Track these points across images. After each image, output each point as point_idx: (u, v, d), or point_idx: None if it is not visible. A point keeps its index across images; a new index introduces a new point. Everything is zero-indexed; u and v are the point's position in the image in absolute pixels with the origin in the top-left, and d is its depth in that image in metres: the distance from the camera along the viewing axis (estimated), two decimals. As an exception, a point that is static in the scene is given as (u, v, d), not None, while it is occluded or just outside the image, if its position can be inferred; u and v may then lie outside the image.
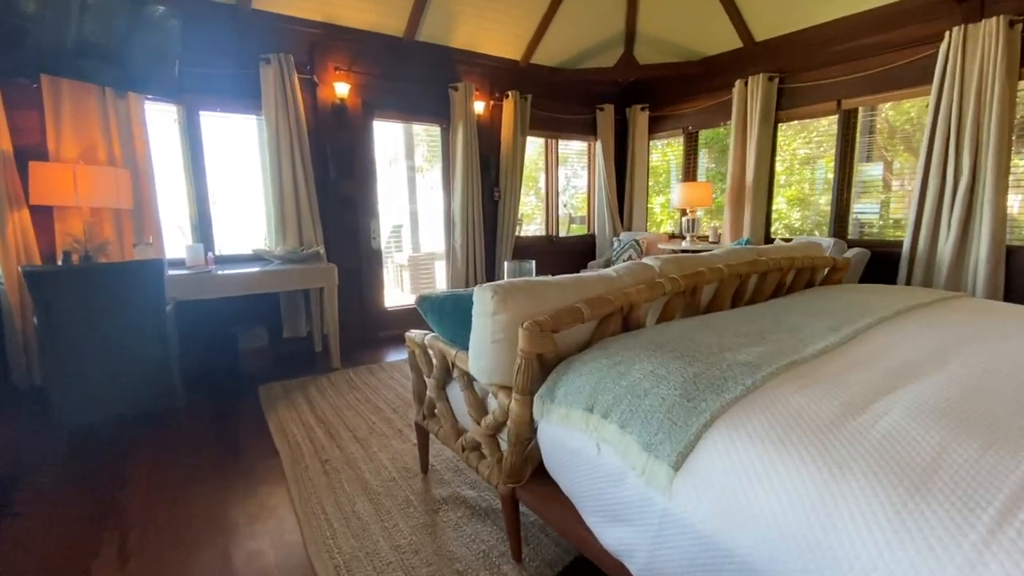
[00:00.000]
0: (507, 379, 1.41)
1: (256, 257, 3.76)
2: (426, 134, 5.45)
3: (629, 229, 5.80)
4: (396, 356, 4.00)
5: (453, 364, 1.69)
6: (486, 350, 1.41)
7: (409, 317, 4.71)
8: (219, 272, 3.19)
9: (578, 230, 6.03)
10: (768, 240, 4.69)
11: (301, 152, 3.82)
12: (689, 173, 5.43)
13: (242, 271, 3.28)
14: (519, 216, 5.08)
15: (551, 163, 5.57)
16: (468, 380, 1.65)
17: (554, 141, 5.53)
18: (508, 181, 4.93)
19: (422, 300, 1.75)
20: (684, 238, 4.92)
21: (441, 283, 5.90)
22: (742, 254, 2.06)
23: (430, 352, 1.85)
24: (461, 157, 4.60)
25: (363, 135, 4.23)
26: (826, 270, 2.43)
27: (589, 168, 5.89)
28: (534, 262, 3.08)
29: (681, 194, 4.78)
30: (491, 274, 5.06)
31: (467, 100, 4.55)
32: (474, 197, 4.72)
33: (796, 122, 4.52)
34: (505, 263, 2.80)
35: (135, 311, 2.40)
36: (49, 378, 2.27)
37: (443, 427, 1.88)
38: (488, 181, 4.92)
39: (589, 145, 5.83)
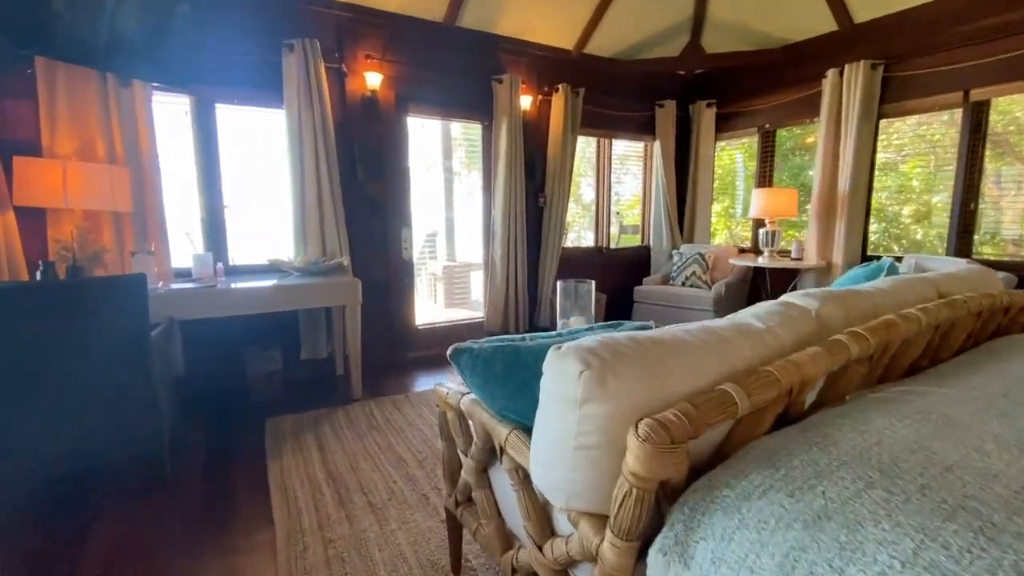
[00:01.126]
0: (597, 505, 0.85)
1: (272, 268, 3.33)
2: (464, 136, 4.96)
3: (690, 240, 5.14)
4: (425, 383, 3.48)
5: (502, 450, 1.14)
6: (564, 457, 0.85)
7: (443, 337, 4.20)
8: (226, 287, 2.75)
9: (629, 240, 5.41)
10: (865, 258, 3.95)
11: (326, 150, 3.37)
12: (764, 178, 4.74)
13: (253, 285, 2.84)
14: (566, 225, 4.51)
15: (603, 165, 4.97)
16: (524, 477, 1.09)
17: (607, 141, 4.94)
18: (555, 185, 4.37)
19: (459, 354, 1.21)
20: (761, 253, 4.23)
21: (477, 294, 5.39)
22: (915, 287, 1.43)
23: (469, 422, 1.30)
24: (504, 158, 4.07)
25: (396, 132, 3.76)
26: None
27: (645, 172, 5.27)
28: (592, 283, 2.51)
29: (760, 202, 4.11)
30: (533, 290, 4.50)
31: (512, 94, 4.03)
32: (517, 203, 4.19)
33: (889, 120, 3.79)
34: (558, 284, 2.25)
35: (110, 340, 1.95)
36: None
37: (483, 528, 1.32)
38: (533, 185, 4.38)
39: (645, 147, 5.21)
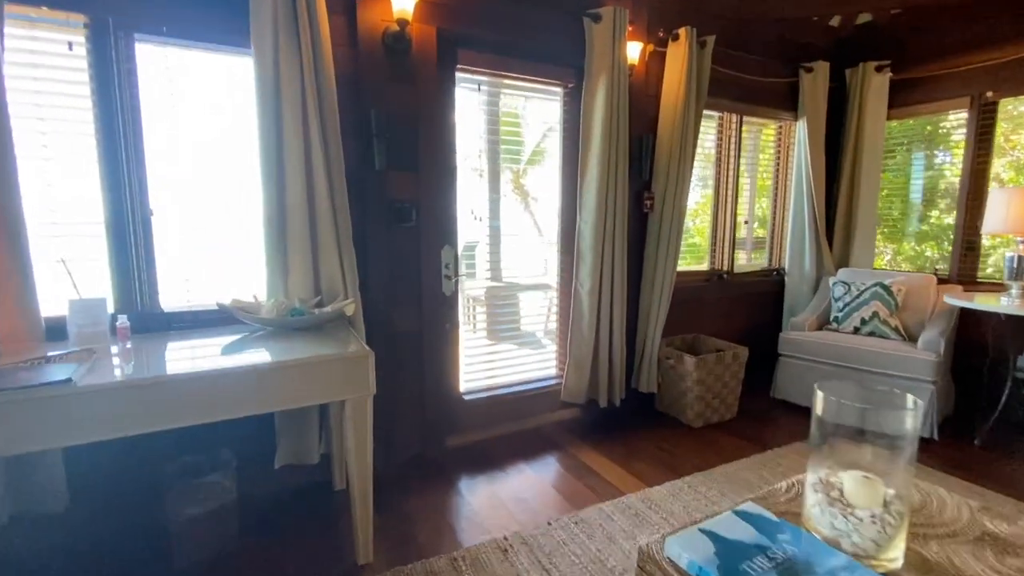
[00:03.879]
0: None
1: (226, 318, 1.95)
2: (530, 111, 3.47)
3: (843, 264, 3.61)
4: (485, 509, 2.05)
5: None
6: None
7: (500, 412, 2.77)
8: (100, 379, 1.37)
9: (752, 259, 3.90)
10: None
11: (322, 121, 1.99)
12: (977, 174, 3.19)
13: (174, 363, 1.45)
14: (682, 239, 3.02)
15: (726, 153, 3.47)
16: None
17: (733, 119, 3.44)
18: (668, 182, 2.91)
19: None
20: (1008, 288, 2.68)
21: (530, 324, 3.86)
22: None
23: None
24: (599, 140, 2.63)
25: (438, 93, 2.35)
26: None
27: (779, 164, 3.76)
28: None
29: (1008, 208, 2.57)
30: (631, 340, 3.04)
31: (616, 39, 2.59)
32: (616, 208, 2.74)
33: None
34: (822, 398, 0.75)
35: None
36: None
37: None
38: (636, 181, 2.93)
39: (782, 129, 3.70)
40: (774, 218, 3.81)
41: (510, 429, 2.81)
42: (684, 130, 2.87)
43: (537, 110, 3.02)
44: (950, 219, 3.37)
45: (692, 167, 2.97)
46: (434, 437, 2.54)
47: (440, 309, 2.49)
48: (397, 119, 2.25)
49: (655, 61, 2.91)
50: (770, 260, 3.83)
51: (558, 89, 2.78)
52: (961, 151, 3.24)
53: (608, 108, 2.61)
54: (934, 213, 3.52)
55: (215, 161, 2.07)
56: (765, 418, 3.00)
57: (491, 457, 2.56)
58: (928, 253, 3.60)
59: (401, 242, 2.33)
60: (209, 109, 2.04)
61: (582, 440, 2.74)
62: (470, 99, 2.56)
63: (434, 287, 2.45)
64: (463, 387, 2.70)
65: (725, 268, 3.52)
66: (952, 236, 3.30)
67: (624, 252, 2.81)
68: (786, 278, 3.70)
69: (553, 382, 2.92)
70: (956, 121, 3.29)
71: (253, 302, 1.97)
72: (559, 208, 2.89)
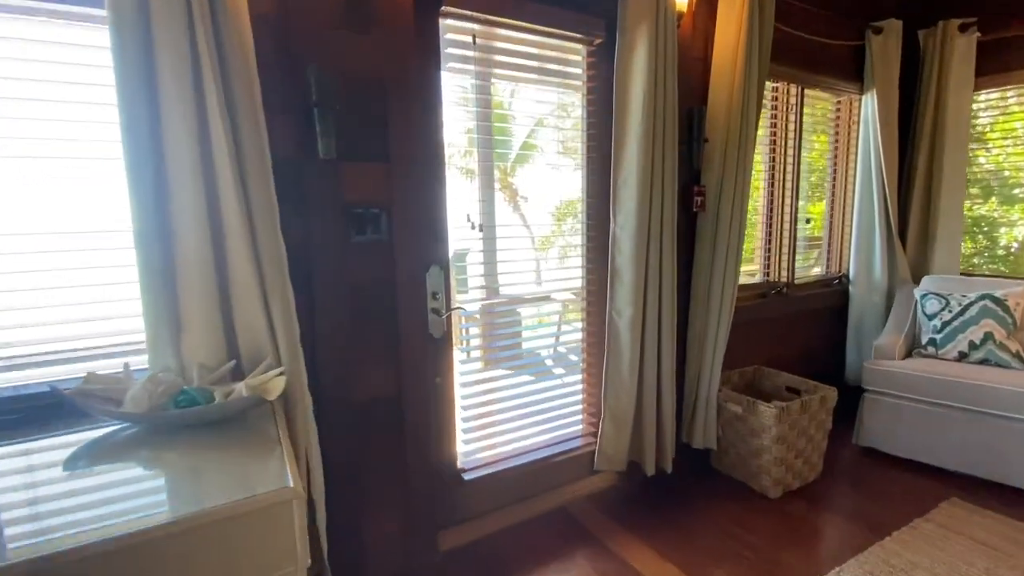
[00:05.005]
0: None
1: (61, 408, 1.18)
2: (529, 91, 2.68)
3: (923, 270, 2.94)
4: None
5: None
6: None
7: (516, 492, 2.04)
8: None
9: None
10: None
11: (225, 89, 1.23)
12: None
13: None
14: (741, 245, 2.31)
15: (782, 134, 2.77)
16: None
17: (797, 89, 2.74)
18: (725, 170, 2.20)
19: None
20: None
21: (535, 344, 3.09)
22: None
23: None
24: (640, 112, 1.91)
25: (417, 47, 1.60)
26: None
27: (838, 146, 3.08)
28: None
29: None
30: (681, 381, 2.33)
31: (660, -26, 1.88)
32: (662, 204, 2.02)
33: None
34: None
35: None
36: None
37: None
38: (685, 170, 2.21)
39: (844, 105, 3.02)
40: (831, 213, 3.13)
41: (527, 513, 2.07)
42: (745, 103, 2.16)
43: (545, 79, 2.27)
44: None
45: (754, 151, 2.26)
46: (423, 539, 1.80)
47: (426, 359, 1.74)
48: (354, 84, 1.50)
49: (703, 12, 2.20)
50: (827, 266, 3.15)
51: (579, 46, 2.04)
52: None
53: (651, 70, 1.89)
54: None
55: (58, 162, 1.30)
56: (857, 477, 2.32)
57: (503, 560, 1.83)
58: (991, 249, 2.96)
59: (365, 266, 1.58)
60: (55, 93, 1.27)
61: (620, 523, 2.03)
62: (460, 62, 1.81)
63: (417, 328, 1.70)
64: (461, 460, 1.96)
65: (784, 279, 2.83)
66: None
67: (673, 267, 2.10)
68: (851, 288, 3.03)
69: (579, 442, 2.19)
70: (1065, 89, 2.65)
71: (120, 375, 1.20)
72: (583, 207, 2.16)
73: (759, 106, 2.25)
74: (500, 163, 4.44)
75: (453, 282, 1.83)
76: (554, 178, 2.53)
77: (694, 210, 2.25)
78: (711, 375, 2.27)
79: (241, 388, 1.17)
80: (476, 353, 2.39)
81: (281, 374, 1.26)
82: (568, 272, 2.22)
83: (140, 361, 1.28)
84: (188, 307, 1.25)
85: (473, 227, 1.82)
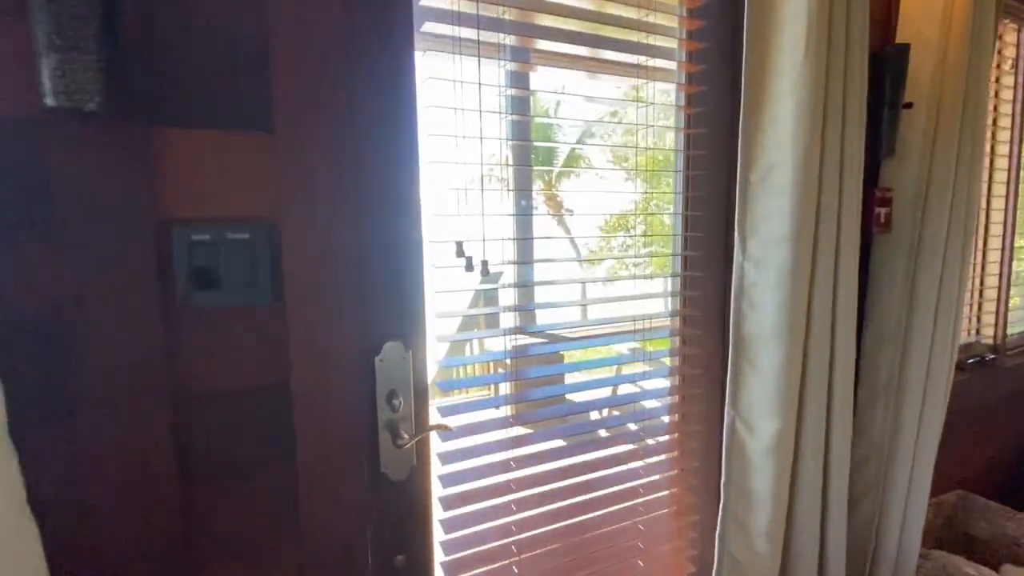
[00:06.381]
0: None
1: None
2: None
3: None
4: None
5: None
6: None
7: None
8: None
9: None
10: None
11: None
12: None
13: None
14: (963, 295, 1.31)
15: (997, 106, 1.73)
16: None
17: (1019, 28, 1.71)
18: (935, 160, 1.22)
19: None
20: None
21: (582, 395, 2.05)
22: None
23: None
24: (802, 45, 0.97)
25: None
26: None
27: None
28: None
29: None
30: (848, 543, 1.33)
31: None
32: (838, 220, 1.07)
33: None
34: None
35: None
36: None
37: None
38: (872, 160, 1.24)
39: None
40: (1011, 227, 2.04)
41: None
42: (974, 43, 1.19)
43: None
44: None
45: (987, 131, 1.27)
46: None
47: (368, 537, 0.86)
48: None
49: None
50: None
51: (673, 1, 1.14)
52: None
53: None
54: None
55: None
56: None
57: None
58: None
59: (216, 355, 0.72)
60: None
61: None
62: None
63: (343, 476, 0.83)
64: None
65: (990, 339, 1.77)
66: None
67: (852, 337, 1.14)
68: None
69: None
70: None
71: None
72: (679, 220, 1.23)
73: (990, 56, 1.27)
74: (542, 167, 3.59)
75: (432, 369, 0.94)
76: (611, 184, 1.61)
77: (873, 230, 1.28)
78: (905, 516, 1.27)
79: None
80: (507, 406, 1.46)
81: None
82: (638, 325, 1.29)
83: None
84: None
85: (470, 266, 0.92)
